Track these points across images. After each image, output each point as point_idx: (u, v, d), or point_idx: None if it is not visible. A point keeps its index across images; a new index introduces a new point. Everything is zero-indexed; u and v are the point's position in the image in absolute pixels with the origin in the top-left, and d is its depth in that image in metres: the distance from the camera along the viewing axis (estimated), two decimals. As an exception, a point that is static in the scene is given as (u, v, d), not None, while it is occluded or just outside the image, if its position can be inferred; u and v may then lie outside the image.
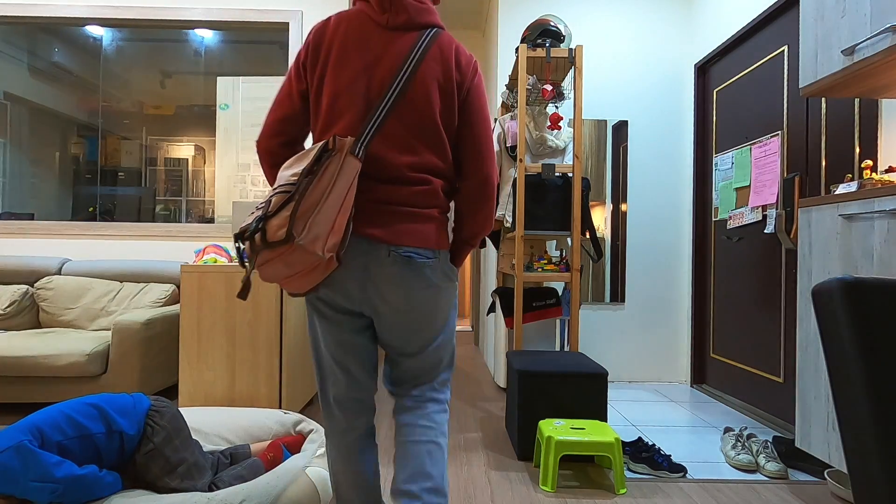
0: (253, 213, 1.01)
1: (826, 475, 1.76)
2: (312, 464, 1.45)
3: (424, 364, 1.22)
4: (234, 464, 1.51)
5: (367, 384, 1.20)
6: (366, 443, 1.22)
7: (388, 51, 1.12)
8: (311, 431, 1.71)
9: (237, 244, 0.99)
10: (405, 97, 1.10)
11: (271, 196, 1.00)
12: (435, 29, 1.16)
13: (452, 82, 1.14)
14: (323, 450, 1.54)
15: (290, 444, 1.63)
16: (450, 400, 1.28)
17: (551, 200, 2.45)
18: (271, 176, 1.19)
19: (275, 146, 1.17)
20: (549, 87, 2.42)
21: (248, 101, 3.44)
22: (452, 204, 1.26)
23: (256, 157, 3.44)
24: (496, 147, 2.77)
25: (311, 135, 1.19)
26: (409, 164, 1.11)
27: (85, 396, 1.33)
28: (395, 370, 1.23)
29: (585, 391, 1.98)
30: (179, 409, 1.50)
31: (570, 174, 2.46)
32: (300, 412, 2.45)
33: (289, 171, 1.03)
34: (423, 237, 1.12)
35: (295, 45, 3.26)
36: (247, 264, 1.00)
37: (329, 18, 1.16)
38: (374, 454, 1.24)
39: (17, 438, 1.13)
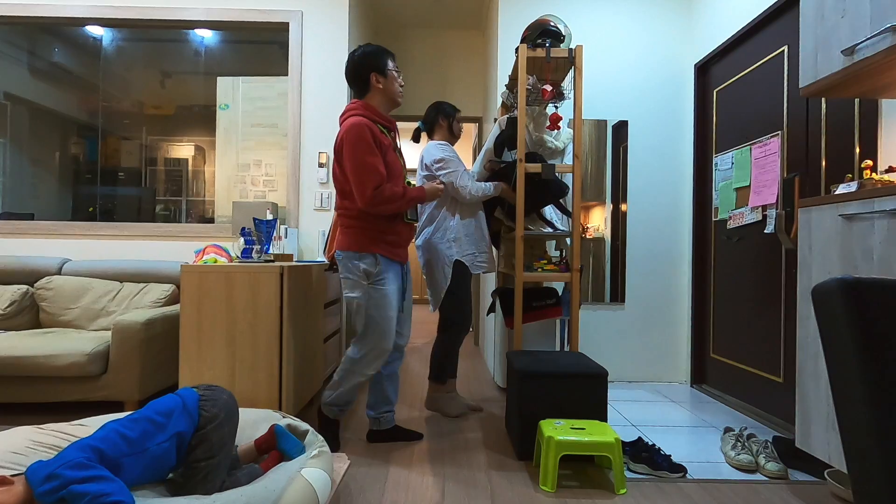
0: None
1: (826, 475, 1.76)
2: (307, 465, 1.44)
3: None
4: (228, 469, 1.50)
5: None
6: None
7: None
8: (305, 432, 1.71)
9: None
10: None
11: None
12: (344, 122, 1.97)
13: (334, 149, 1.97)
14: (317, 450, 1.54)
15: (268, 440, 1.62)
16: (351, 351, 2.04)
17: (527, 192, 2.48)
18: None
19: None
20: (549, 88, 2.42)
21: (248, 101, 3.44)
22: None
23: (256, 157, 3.45)
24: (491, 147, 2.78)
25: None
26: (338, 206, 2.04)
27: (133, 413, 1.35)
28: None
29: (585, 391, 1.98)
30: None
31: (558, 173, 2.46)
32: (300, 412, 2.45)
33: None
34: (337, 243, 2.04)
35: (295, 45, 3.26)
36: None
37: None
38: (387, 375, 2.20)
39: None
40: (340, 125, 1.99)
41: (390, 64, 2.01)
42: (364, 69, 1.97)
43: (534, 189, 2.44)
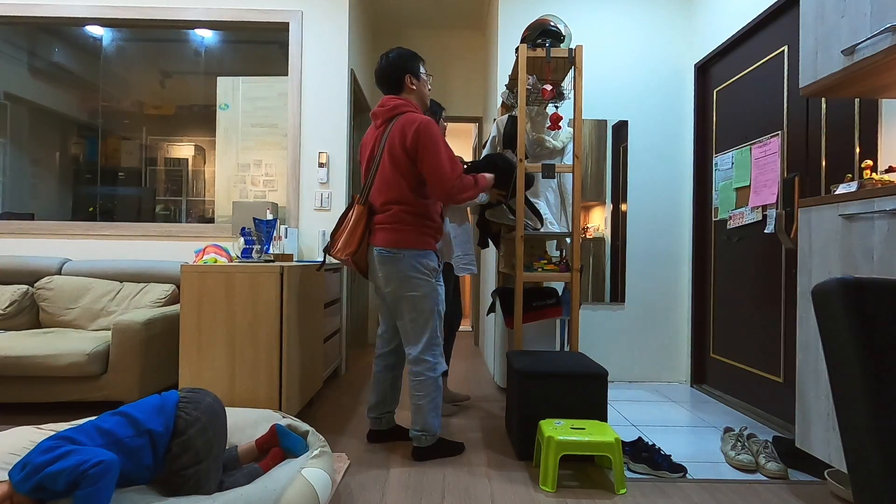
0: None
1: (826, 475, 1.76)
2: (308, 465, 1.44)
3: (404, 329, 1.98)
4: (227, 469, 1.50)
5: (389, 330, 2.13)
6: (387, 366, 2.15)
7: (375, 141, 1.98)
8: (306, 433, 1.70)
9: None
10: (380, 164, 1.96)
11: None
12: (396, 116, 1.94)
13: (405, 145, 1.88)
14: (318, 450, 1.54)
15: (269, 439, 1.62)
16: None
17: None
18: None
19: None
20: (549, 87, 2.42)
21: (248, 101, 3.44)
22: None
23: (256, 157, 3.45)
24: (489, 150, 2.79)
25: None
26: (382, 201, 1.94)
27: (112, 410, 1.35)
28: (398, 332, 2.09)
29: (585, 391, 1.98)
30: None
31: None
32: (300, 412, 2.45)
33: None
34: (385, 240, 1.93)
35: (295, 45, 3.26)
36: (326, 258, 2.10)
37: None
38: (392, 377, 2.15)
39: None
40: (385, 119, 1.96)
41: (422, 68, 2.05)
42: (400, 70, 1.98)
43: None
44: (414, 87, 2.02)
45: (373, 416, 2.14)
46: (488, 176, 2.15)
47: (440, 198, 1.93)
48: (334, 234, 2.00)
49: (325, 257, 2.10)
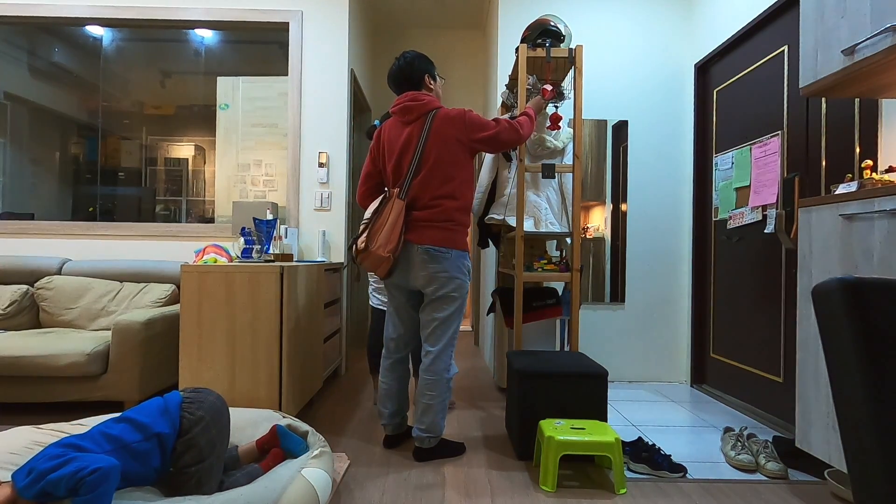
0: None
1: (826, 475, 1.76)
2: (308, 465, 1.44)
3: (429, 326, 1.96)
4: (227, 469, 1.50)
5: (408, 333, 2.09)
6: (401, 376, 2.11)
7: (411, 135, 1.94)
8: (306, 433, 1.70)
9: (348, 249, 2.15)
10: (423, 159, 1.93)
11: (361, 225, 1.93)
12: (432, 111, 1.95)
13: (459, 138, 1.93)
14: (319, 450, 1.54)
15: (269, 440, 1.62)
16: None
17: None
18: (365, 208, 2.07)
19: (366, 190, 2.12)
20: (549, 87, 2.42)
21: (248, 101, 3.44)
22: None
23: (256, 157, 3.45)
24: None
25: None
26: (432, 195, 1.92)
27: (118, 415, 1.35)
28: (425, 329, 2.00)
29: (585, 391, 1.98)
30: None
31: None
32: (300, 412, 2.45)
33: (369, 210, 1.97)
34: (435, 238, 1.91)
35: (295, 45, 3.26)
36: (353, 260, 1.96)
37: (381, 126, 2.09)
38: (405, 383, 2.13)
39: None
40: (421, 113, 1.94)
41: (436, 72, 2.11)
42: (419, 70, 2.02)
43: None
44: (432, 87, 2.05)
45: (395, 422, 2.10)
46: (531, 105, 2.26)
47: (512, 146, 2.04)
48: (369, 231, 1.89)
49: (351, 256, 2.06)
